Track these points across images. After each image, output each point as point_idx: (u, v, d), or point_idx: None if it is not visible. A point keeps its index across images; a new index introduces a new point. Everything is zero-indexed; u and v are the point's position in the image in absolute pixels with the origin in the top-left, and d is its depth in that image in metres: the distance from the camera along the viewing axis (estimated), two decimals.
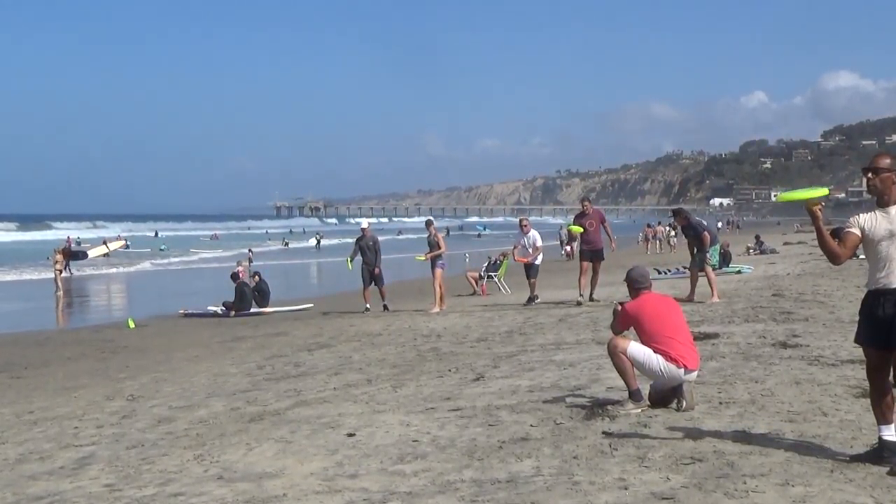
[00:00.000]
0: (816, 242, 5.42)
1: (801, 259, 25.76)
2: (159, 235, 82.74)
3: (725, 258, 22.54)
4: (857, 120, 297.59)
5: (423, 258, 18.33)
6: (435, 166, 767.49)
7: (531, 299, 17.09)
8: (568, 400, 7.35)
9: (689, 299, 14.83)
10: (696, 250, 15.68)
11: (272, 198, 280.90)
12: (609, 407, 6.82)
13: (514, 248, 18.96)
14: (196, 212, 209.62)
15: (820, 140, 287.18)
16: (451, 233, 71.73)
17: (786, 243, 39.03)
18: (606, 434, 6.11)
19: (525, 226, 18.57)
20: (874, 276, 5.11)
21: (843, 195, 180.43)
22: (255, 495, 5.31)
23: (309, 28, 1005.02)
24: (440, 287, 17.29)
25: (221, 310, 20.56)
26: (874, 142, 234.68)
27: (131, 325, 18.03)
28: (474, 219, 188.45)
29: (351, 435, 6.68)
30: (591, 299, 16.25)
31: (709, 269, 15.42)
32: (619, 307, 7.18)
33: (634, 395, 6.83)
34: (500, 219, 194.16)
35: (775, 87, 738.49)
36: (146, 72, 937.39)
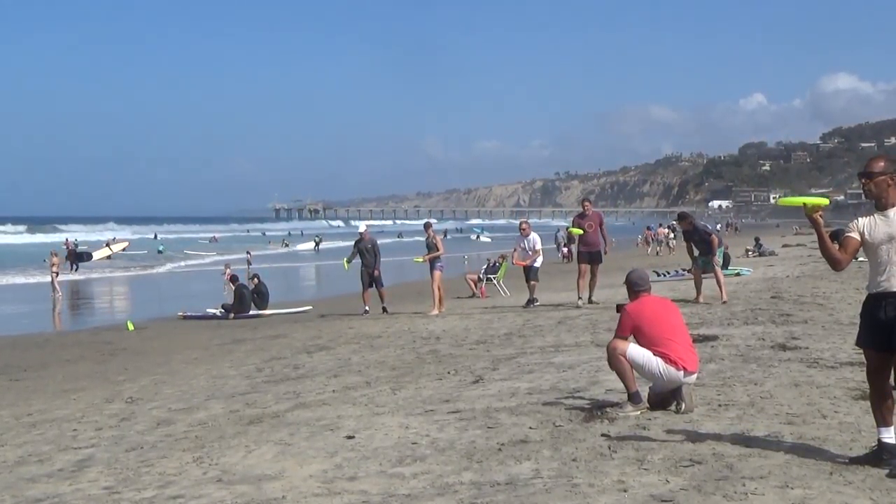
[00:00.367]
0: (816, 245, 5.43)
1: (800, 261, 25.77)
2: (158, 238, 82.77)
3: (726, 260, 22.55)
4: (855, 122, 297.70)
5: (422, 260, 18.37)
6: (434, 168, 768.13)
7: (530, 302, 17.10)
8: (567, 402, 7.35)
9: (697, 300, 15.00)
10: (699, 253, 15.72)
11: (271, 200, 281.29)
12: (608, 409, 6.83)
13: (514, 250, 18.98)
14: (194, 214, 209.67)
15: (819, 142, 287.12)
16: (448, 235, 71.66)
17: (785, 245, 39.04)
18: (605, 436, 6.11)
19: (524, 229, 18.59)
20: (875, 279, 5.11)
21: (841, 197, 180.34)
22: (255, 497, 5.31)
23: (309, 30, 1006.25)
24: (439, 289, 17.31)
25: (220, 312, 20.56)
26: (873, 144, 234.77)
27: (130, 327, 18.04)
28: (477, 221, 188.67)
29: (350, 437, 6.68)
30: (590, 301, 16.28)
31: (718, 270, 15.48)
32: (621, 308, 7.18)
33: (633, 398, 6.83)
34: (503, 221, 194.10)
35: (774, 90, 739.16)
36: (145, 74, 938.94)
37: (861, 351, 5.42)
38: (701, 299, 15.11)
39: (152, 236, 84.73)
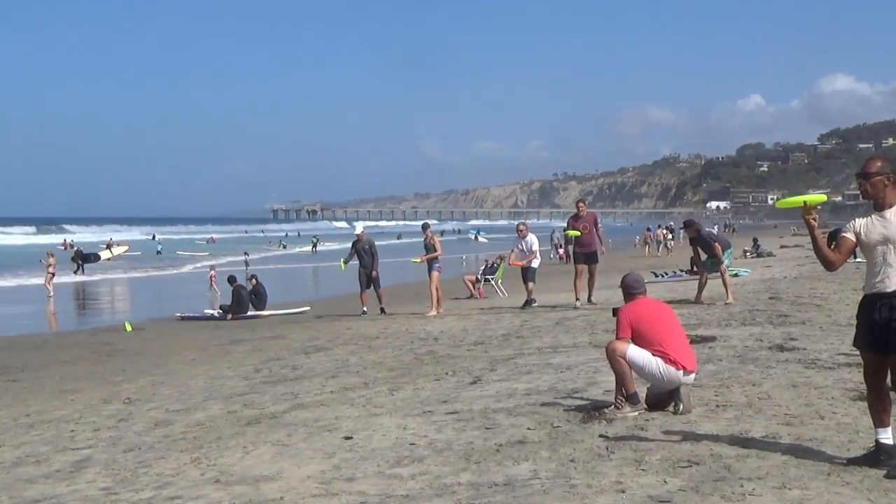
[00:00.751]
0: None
1: (797, 262, 25.78)
2: (156, 238, 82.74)
3: None
4: (853, 123, 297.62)
5: (419, 261, 18.39)
6: (432, 169, 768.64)
7: (528, 303, 17.10)
8: (565, 403, 7.35)
9: (696, 301, 15.15)
10: (707, 256, 15.86)
11: (269, 201, 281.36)
12: (606, 410, 6.83)
13: (512, 252, 18.99)
14: (192, 215, 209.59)
15: (816, 143, 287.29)
16: (444, 235, 71.64)
17: (782, 246, 39.07)
18: (603, 437, 6.11)
19: (522, 230, 18.59)
20: (870, 280, 5.12)
21: (839, 198, 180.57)
22: (252, 498, 5.31)
23: (308, 31, 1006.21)
24: (437, 290, 17.32)
25: (218, 313, 20.56)
26: (871, 145, 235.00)
27: (128, 328, 18.02)
28: (478, 222, 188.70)
29: (348, 438, 6.68)
30: (589, 301, 16.30)
31: (725, 272, 15.57)
32: (617, 312, 7.20)
33: (632, 399, 6.84)
34: (505, 222, 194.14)
35: (772, 91, 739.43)
36: (144, 75, 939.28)
37: (858, 352, 5.42)
38: (696, 299, 15.25)
39: (150, 237, 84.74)
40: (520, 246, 18.26)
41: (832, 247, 5.37)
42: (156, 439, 7.40)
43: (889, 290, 5.01)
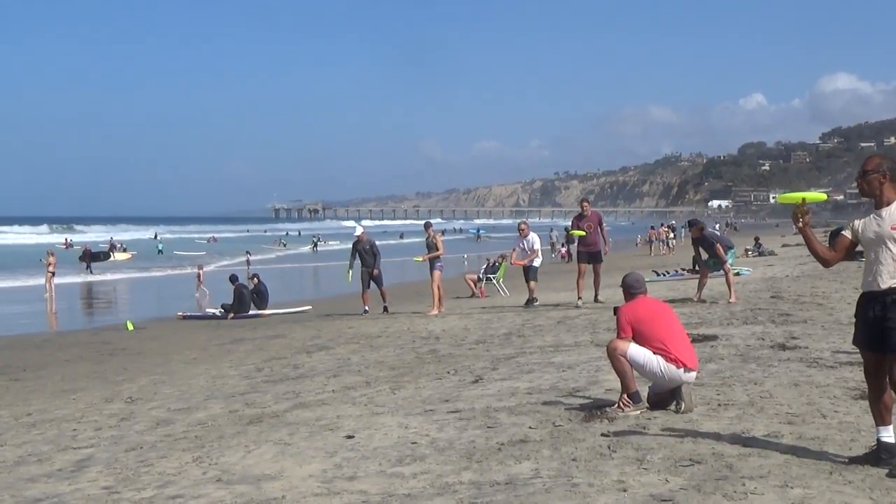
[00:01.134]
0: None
1: (799, 261, 25.74)
2: (157, 238, 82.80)
3: None
4: (855, 122, 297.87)
5: (421, 259, 18.39)
6: (433, 168, 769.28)
7: (530, 301, 17.10)
8: (566, 402, 7.35)
9: (696, 299, 15.21)
10: (709, 256, 15.92)
11: (271, 200, 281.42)
12: (608, 409, 6.82)
13: (513, 251, 19.00)
14: (193, 215, 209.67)
15: (818, 142, 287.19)
16: (444, 234, 71.55)
17: (784, 245, 39.03)
18: (605, 436, 6.11)
19: (523, 230, 18.60)
20: (865, 278, 5.15)
21: (841, 197, 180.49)
22: (254, 497, 5.31)
23: (308, 31, 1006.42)
24: (438, 289, 17.31)
25: (220, 312, 20.56)
26: (872, 144, 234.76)
27: (130, 327, 18.04)
28: (483, 221, 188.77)
29: (349, 437, 6.67)
30: (596, 300, 16.30)
31: (729, 272, 15.59)
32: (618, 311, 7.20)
33: (633, 397, 6.84)
34: (510, 221, 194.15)
35: (774, 90, 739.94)
36: (146, 75, 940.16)
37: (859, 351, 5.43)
38: (696, 298, 15.30)
39: (152, 236, 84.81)
40: (521, 245, 18.28)
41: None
42: (157, 438, 7.40)
43: (881, 288, 5.03)
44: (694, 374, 6.93)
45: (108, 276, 38.57)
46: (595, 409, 6.92)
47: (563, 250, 40.85)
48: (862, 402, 6.47)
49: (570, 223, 17.93)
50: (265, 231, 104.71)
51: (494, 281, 22.94)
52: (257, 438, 6.94)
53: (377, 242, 19.56)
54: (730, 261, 16.18)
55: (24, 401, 10.24)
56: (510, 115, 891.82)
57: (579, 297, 16.30)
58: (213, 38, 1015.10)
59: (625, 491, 4.88)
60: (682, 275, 23.59)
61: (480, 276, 23.10)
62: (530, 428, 6.51)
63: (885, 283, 5.00)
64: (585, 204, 17.37)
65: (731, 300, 14.75)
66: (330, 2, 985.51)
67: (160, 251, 59.28)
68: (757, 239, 36.95)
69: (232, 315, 20.08)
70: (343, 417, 7.49)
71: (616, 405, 6.85)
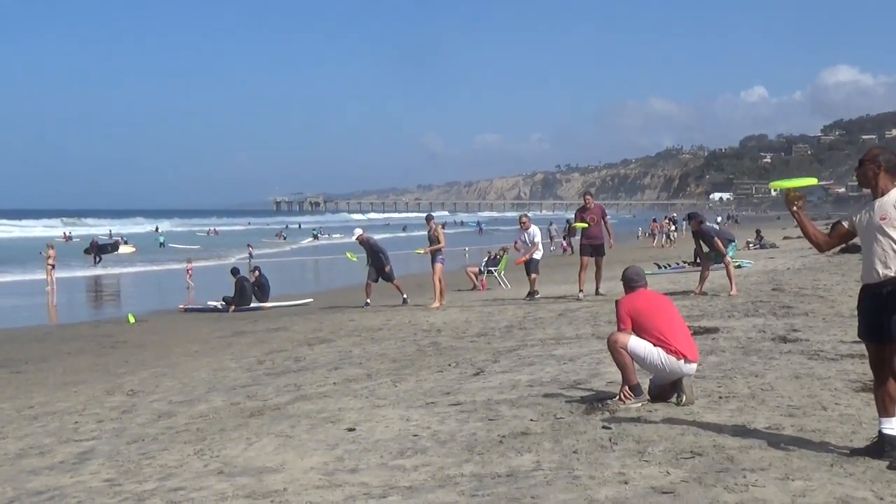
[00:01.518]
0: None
1: (800, 254, 25.75)
2: (159, 231, 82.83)
3: None
4: (856, 115, 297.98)
5: (423, 252, 18.39)
6: (434, 161, 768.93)
7: (531, 294, 17.10)
8: (568, 394, 7.36)
9: (697, 292, 15.24)
10: (709, 249, 15.96)
11: (272, 193, 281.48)
12: (609, 401, 6.83)
13: (515, 243, 19.00)
14: (194, 208, 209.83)
15: (820, 135, 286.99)
16: (445, 226, 71.47)
17: (786, 238, 39.02)
18: (606, 428, 6.11)
19: (524, 223, 18.60)
20: (862, 270, 5.21)
21: (842, 189, 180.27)
22: (256, 490, 5.31)
23: (311, 28, 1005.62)
24: (440, 282, 17.30)
25: (221, 305, 20.55)
26: (874, 136, 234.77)
27: (131, 320, 18.04)
28: (487, 214, 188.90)
29: (351, 430, 6.68)
30: (597, 293, 16.30)
31: (729, 264, 15.61)
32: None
33: (634, 390, 6.84)
34: (514, 214, 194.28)
35: (775, 83, 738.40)
36: (149, 74, 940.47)
37: (862, 342, 5.44)
38: (697, 291, 15.35)
39: (154, 229, 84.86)
40: (522, 238, 18.28)
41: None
42: (159, 431, 7.41)
43: (870, 280, 5.07)
44: (694, 365, 6.92)
45: (110, 270, 38.54)
46: (596, 401, 6.92)
47: (564, 243, 40.83)
48: (863, 394, 6.48)
49: (573, 216, 17.91)
50: (269, 225, 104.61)
51: (496, 273, 22.95)
52: (259, 431, 6.95)
53: (382, 236, 19.61)
54: (731, 254, 16.20)
55: (25, 393, 10.25)
56: (511, 108, 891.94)
57: (581, 290, 16.30)
58: (216, 36, 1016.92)
59: (626, 483, 4.88)
60: (684, 268, 23.57)
61: (482, 268, 23.11)
62: (531, 420, 6.51)
63: (880, 273, 5.02)
64: (588, 197, 17.37)
65: (732, 293, 14.77)
66: (331, 2, 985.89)
67: (161, 244, 59.23)
68: (758, 231, 36.95)
69: (233, 308, 20.08)
70: (344, 410, 7.49)
71: (617, 397, 6.86)
